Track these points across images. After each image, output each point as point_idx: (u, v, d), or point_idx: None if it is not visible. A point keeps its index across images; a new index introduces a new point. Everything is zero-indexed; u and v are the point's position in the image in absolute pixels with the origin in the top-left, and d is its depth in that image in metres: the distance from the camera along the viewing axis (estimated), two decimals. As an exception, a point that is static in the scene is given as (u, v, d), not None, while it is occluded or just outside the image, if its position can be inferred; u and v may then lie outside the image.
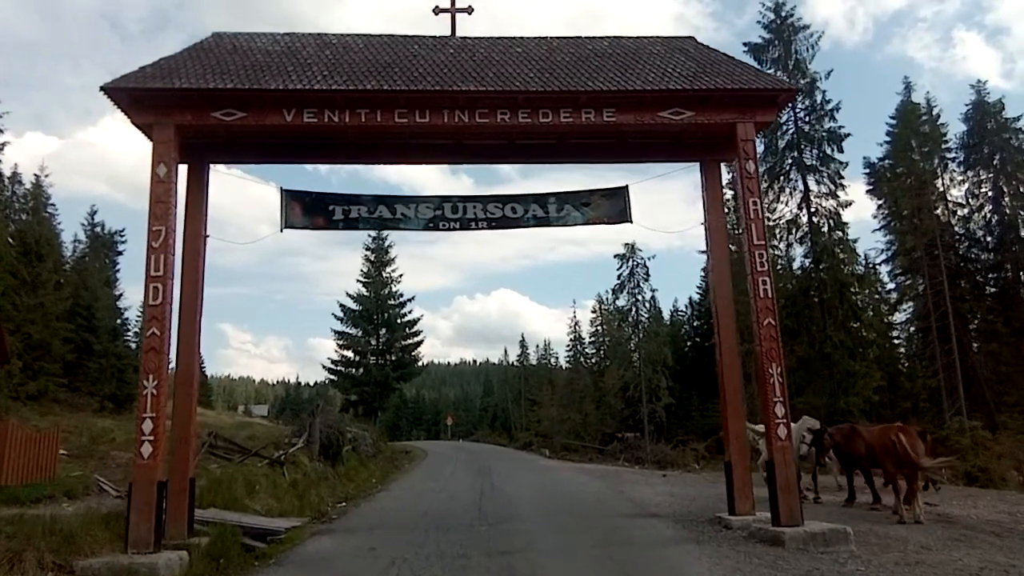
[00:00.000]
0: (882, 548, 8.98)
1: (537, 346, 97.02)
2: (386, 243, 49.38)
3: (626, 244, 43.44)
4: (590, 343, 61.39)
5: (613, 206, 12.04)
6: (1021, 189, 37.80)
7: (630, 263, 43.10)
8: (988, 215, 39.06)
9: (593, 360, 59.44)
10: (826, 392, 29.17)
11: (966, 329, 36.53)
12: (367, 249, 49.17)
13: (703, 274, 50.02)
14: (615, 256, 43.83)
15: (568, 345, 65.33)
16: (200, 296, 11.04)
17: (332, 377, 49.58)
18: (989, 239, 39.28)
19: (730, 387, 11.61)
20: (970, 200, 39.44)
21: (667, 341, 45.54)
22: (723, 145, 11.48)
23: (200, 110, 10.30)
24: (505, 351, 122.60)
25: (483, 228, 11.94)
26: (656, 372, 40.71)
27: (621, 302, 45.09)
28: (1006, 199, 38.07)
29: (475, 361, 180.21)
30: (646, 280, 43.41)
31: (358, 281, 48.99)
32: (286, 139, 11.54)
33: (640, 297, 43.52)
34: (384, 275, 49.25)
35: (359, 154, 12.31)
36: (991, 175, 38.68)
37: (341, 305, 48.00)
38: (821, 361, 30.28)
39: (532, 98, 10.48)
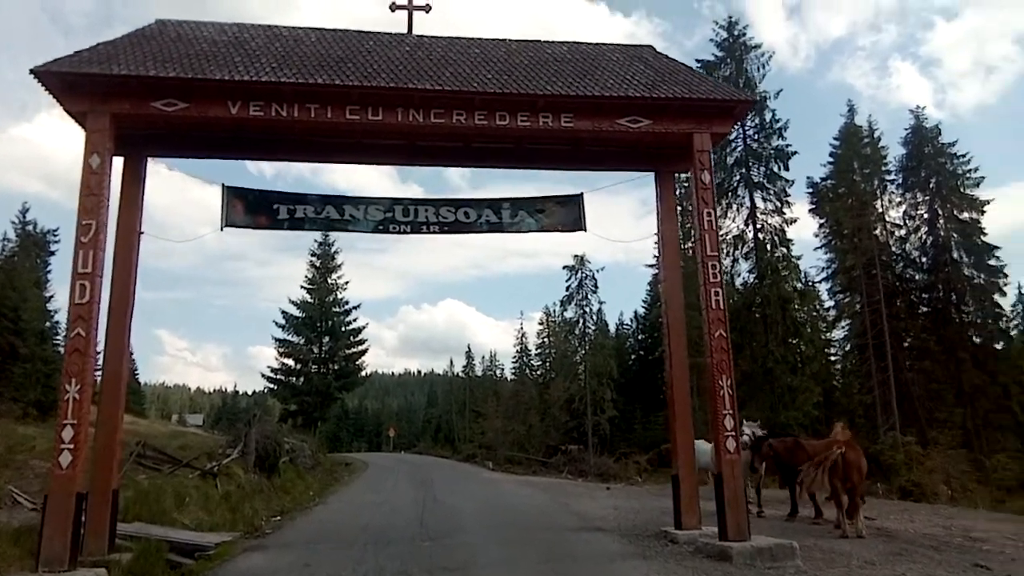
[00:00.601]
0: (827, 563, 8.96)
1: (483, 357, 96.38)
2: (332, 249, 48.52)
3: (575, 256, 43.69)
4: (536, 355, 61.40)
5: (567, 214, 11.87)
6: (955, 212, 39.27)
7: (579, 275, 43.29)
8: (924, 237, 40.49)
9: (539, 372, 59.44)
10: (767, 406, 29.62)
11: (900, 347, 37.64)
12: (312, 255, 48.23)
13: (649, 288, 50.60)
14: (564, 267, 44.04)
15: (514, 357, 65.22)
16: (132, 296, 10.42)
17: (271, 386, 48.32)
18: (924, 260, 40.70)
19: (679, 399, 11.53)
20: (907, 222, 40.84)
21: (612, 354, 45.84)
22: (679, 155, 11.42)
23: (139, 99, 9.75)
24: (451, 362, 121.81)
25: (435, 232, 11.60)
26: (601, 384, 40.87)
27: (569, 313, 45.32)
28: (940, 221, 39.50)
29: (420, 372, 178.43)
30: (594, 292, 43.67)
31: (302, 287, 47.98)
32: (230, 133, 10.98)
33: (588, 309, 43.79)
34: (329, 282, 48.33)
35: (307, 152, 11.87)
36: (927, 198, 40.12)
37: (283, 312, 46.91)
38: (763, 375, 30.81)
39: (489, 100, 10.25)
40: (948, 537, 11.44)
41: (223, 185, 11.17)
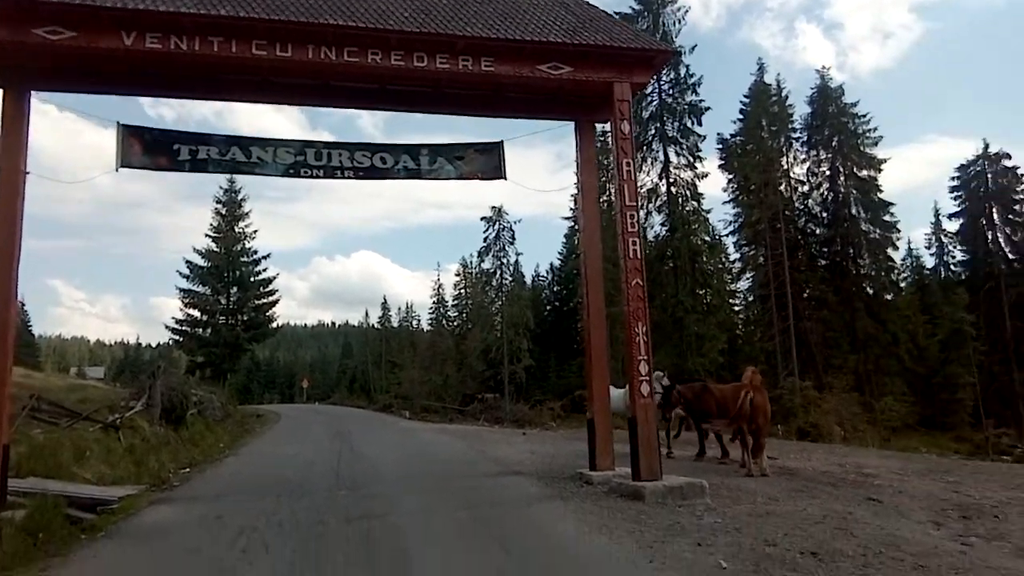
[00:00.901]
0: (734, 500, 9.39)
1: (399, 309, 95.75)
2: (239, 196, 46.50)
3: (493, 207, 43.51)
4: (453, 306, 61.37)
5: (488, 161, 11.67)
6: (855, 170, 41.16)
7: (496, 226, 43.20)
8: (825, 193, 42.36)
9: (456, 323, 59.50)
10: (676, 353, 30.70)
11: (800, 298, 39.60)
12: (218, 202, 46.08)
13: (565, 241, 51.17)
14: (482, 219, 43.87)
15: (431, 308, 64.95)
16: (17, 241, 9.62)
17: (177, 338, 46.39)
18: (825, 215, 42.65)
19: (595, 345, 11.71)
20: (810, 178, 42.58)
21: (529, 305, 46.31)
22: (599, 105, 11.36)
23: (17, 24, 8.89)
24: (366, 313, 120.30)
25: (349, 177, 11.17)
26: (518, 335, 41.31)
27: (486, 265, 45.33)
28: (841, 178, 41.36)
29: (334, 323, 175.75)
30: (511, 244, 43.73)
31: (207, 236, 45.85)
32: (125, 67, 10.17)
33: (505, 261, 43.86)
34: (237, 230, 46.36)
35: (211, 89, 11.16)
36: (829, 156, 41.86)
37: (188, 261, 44.84)
38: (673, 324, 31.81)
39: (407, 39, 9.86)
40: (843, 474, 12.19)
41: (119, 123, 10.39)
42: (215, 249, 45.32)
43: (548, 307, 53.94)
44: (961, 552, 6.73)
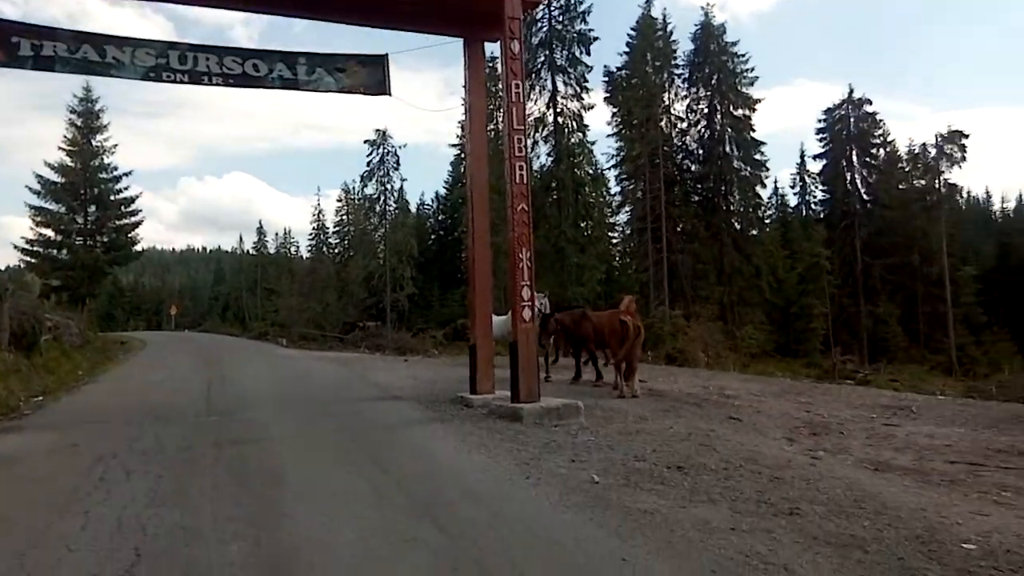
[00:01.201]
0: (607, 420, 9.76)
1: (276, 234, 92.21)
2: (96, 106, 42.62)
3: (377, 130, 42.18)
4: (335, 232, 59.77)
5: (371, 75, 11.08)
6: (731, 108, 42.60)
7: (380, 150, 41.97)
8: (702, 130, 43.70)
9: (337, 250, 58.08)
10: (557, 283, 31.36)
11: (674, 231, 41.24)
12: (72, 112, 42.05)
13: (451, 169, 50.50)
14: (365, 141, 42.39)
15: (311, 234, 62.96)
16: None
17: (28, 259, 42.66)
18: (701, 152, 44.13)
19: (480, 272, 11.68)
20: (689, 115, 43.75)
21: (413, 232, 45.74)
22: (489, 23, 10.97)
23: None
24: (240, 238, 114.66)
25: (218, 84, 10.31)
26: (401, 262, 40.87)
27: (369, 190, 44.19)
28: (718, 116, 42.75)
29: (205, 248, 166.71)
30: (396, 169, 42.69)
31: (61, 149, 41.95)
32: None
33: (389, 186, 42.93)
34: (94, 144, 42.61)
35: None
36: (708, 93, 43.05)
37: (39, 176, 40.97)
38: (555, 254, 32.36)
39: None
40: (707, 395, 12.94)
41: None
42: (70, 164, 41.59)
43: (433, 236, 53.50)
44: (811, 464, 7.30)
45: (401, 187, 46.47)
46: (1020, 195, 77.97)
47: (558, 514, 5.40)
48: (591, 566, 4.34)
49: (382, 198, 43.36)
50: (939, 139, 46.12)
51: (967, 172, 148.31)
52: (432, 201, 56.80)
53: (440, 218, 54.33)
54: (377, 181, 42.79)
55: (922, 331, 45.18)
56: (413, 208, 55.08)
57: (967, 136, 45.77)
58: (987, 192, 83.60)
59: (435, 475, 6.67)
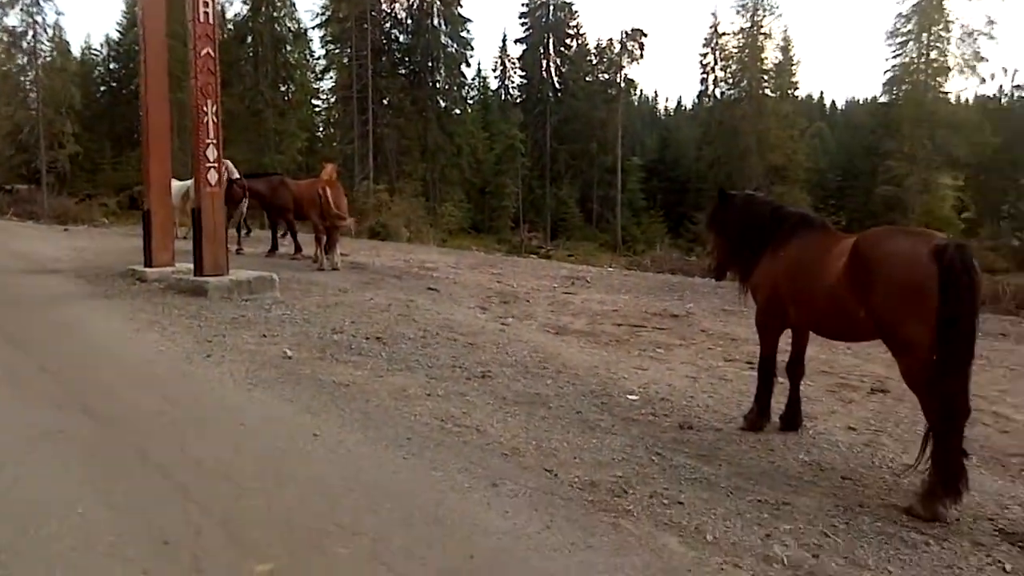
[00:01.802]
0: (304, 293, 9.28)
1: None
2: None
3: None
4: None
5: None
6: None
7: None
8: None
9: (-34, 92, 47.07)
10: (254, 149, 29.08)
11: (381, 104, 40.23)
12: None
13: (125, 10, 42.98)
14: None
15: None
16: None
17: None
18: (409, 22, 42.91)
19: (155, 125, 10.09)
20: (398, -19, 41.91)
21: (76, 80, 38.81)
22: None
23: None
24: None
25: None
26: (60, 115, 34.69)
27: (12, 21, 35.83)
28: (428, -15, 41.61)
29: None
30: (48, 1, 35.11)
31: None
32: None
33: (40, 19, 35.28)
34: None
35: None
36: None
37: None
38: (251, 117, 29.86)
39: None
40: (408, 268, 12.98)
41: None
42: None
43: (103, 87, 45.82)
44: (501, 330, 7.64)
45: (56, 22, 38.61)
46: (680, 97, 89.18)
47: (243, 392, 4.95)
48: (278, 445, 4.01)
49: (30, 33, 35.67)
50: (623, 35, 50.10)
51: (641, 70, 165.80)
52: (102, 46, 48.13)
53: (112, 67, 46.41)
54: (22, 10, 34.98)
55: (595, 212, 50.43)
56: (76, 52, 46.27)
57: (646, 35, 50.29)
58: (655, 91, 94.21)
59: (92, 356, 5.73)
